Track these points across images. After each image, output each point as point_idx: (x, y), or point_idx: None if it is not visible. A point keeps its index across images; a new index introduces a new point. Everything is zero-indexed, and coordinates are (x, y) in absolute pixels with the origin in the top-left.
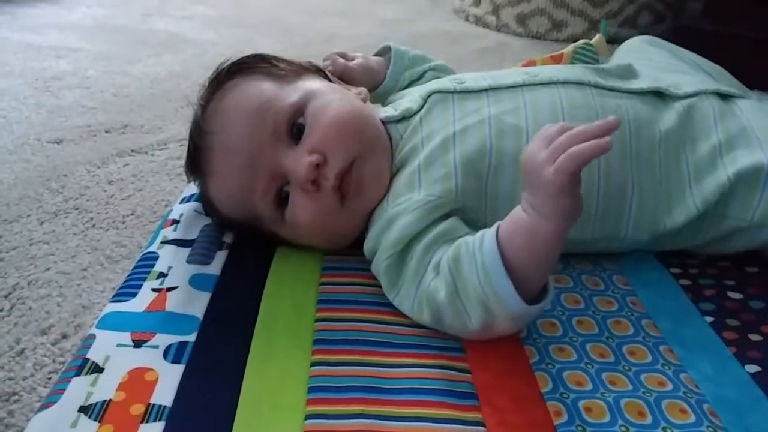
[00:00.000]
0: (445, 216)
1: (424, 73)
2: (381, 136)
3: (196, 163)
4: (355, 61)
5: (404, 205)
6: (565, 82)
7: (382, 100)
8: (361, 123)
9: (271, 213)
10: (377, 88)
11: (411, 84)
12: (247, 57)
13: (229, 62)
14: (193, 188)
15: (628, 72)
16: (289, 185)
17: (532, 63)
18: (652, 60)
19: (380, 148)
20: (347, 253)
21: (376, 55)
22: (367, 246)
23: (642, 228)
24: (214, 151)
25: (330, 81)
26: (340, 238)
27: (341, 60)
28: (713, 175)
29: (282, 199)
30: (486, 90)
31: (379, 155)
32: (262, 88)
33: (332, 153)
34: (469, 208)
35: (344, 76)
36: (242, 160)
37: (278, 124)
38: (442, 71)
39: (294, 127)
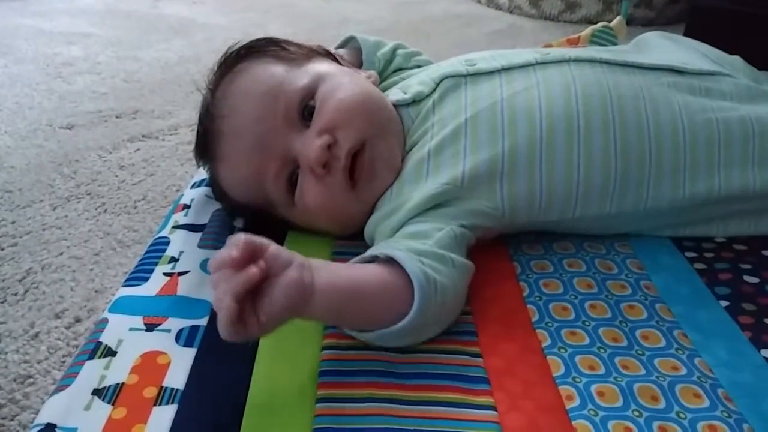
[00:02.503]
0: (444, 204)
1: (394, 51)
2: (392, 120)
3: (206, 148)
4: None
5: (406, 197)
6: (576, 60)
7: None
8: (371, 104)
9: (282, 197)
10: None
11: (387, 64)
12: (257, 40)
13: (238, 46)
14: (203, 173)
15: (639, 51)
16: (299, 169)
17: (548, 47)
18: (663, 48)
19: (392, 131)
20: (358, 237)
21: (338, 47)
22: (367, 230)
23: (661, 197)
24: (225, 136)
25: (340, 64)
26: (350, 223)
27: None
28: (742, 161)
29: (293, 183)
30: (498, 71)
31: (391, 138)
32: (273, 71)
33: (342, 132)
34: (480, 196)
35: None
36: (253, 144)
37: (289, 107)
38: (405, 47)
39: (305, 110)
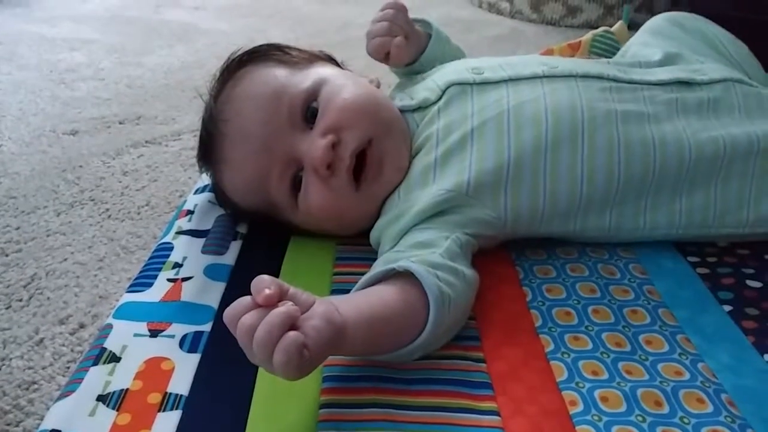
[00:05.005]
0: (448, 210)
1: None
2: (398, 120)
3: (209, 152)
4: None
5: (412, 202)
6: (584, 76)
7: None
8: (375, 104)
9: (285, 199)
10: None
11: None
12: (259, 46)
13: (241, 51)
14: (207, 179)
15: (651, 60)
16: (303, 170)
17: (549, 52)
18: (679, 42)
19: (398, 130)
20: (360, 243)
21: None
22: (373, 235)
23: (659, 209)
24: (229, 138)
25: (341, 68)
26: (354, 224)
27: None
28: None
29: (297, 185)
30: (505, 81)
31: (397, 137)
32: (275, 74)
33: (346, 132)
34: (484, 205)
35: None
36: (257, 146)
37: (293, 108)
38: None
39: (308, 112)
